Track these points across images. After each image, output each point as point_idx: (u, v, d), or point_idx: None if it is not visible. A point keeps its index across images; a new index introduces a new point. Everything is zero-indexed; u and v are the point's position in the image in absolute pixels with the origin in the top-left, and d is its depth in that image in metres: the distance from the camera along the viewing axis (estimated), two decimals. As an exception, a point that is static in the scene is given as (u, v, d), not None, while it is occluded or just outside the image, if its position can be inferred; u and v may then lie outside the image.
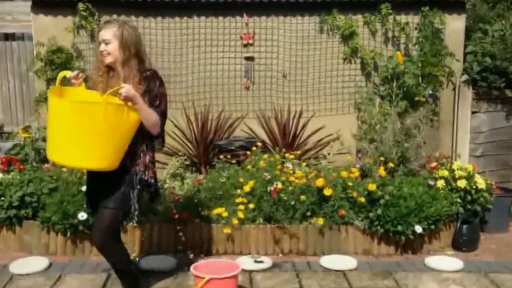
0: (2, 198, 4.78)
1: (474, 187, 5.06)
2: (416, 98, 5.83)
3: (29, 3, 5.87)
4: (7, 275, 4.32)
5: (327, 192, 4.75)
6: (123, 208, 3.41)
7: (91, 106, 3.11)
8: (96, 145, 3.11)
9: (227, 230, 4.67)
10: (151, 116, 3.32)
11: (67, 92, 3.36)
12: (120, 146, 3.23)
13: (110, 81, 3.40)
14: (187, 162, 5.80)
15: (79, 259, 4.65)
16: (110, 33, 3.33)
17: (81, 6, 5.69)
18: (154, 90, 3.37)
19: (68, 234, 4.70)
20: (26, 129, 5.60)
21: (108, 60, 3.36)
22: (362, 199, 4.74)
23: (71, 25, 5.76)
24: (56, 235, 4.75)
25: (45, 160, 5.54)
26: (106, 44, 3.33)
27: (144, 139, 3.43)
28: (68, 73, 3.34)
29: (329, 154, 5.94)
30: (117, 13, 5.89)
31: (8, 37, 7.00)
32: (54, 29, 5.79)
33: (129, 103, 3.18)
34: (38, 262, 4.51)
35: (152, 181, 3.53)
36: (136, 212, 3.46)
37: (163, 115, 3.43)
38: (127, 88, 3.16)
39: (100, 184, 3.43)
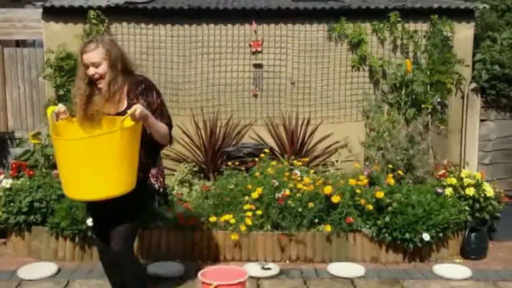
0: (12, 204, 4.82)
1: (482, 195, 5.05)
2: (424, 106, 5.83)
3: (40, 11, 5.93)
4: (16, 280, 4.35)
5: (335, 199, 4.76)
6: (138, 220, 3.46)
7: (107, 137, 3.06)
8: (120, 171, 3.07)
9: (235, 237, 4.68)
10: (161, 129, 3.30)
11: (64, 128, 3.28)
12: (136, 163, 3.20)
13: (96, 101, 3.30)
14: (196, 169, 5.82)
15: (88, 264, 4.67)
16: (98, 54, 3.20)
17: (91, 13, 5.73)
18: (154, 103, 3.31)
19: (77, 239, 4.74)
20: (36, 135, 5.63)
21: (102, 83, 3.25)
22: (370, 207, 4.74)
23: (81, 32, 5.80)
24: (64, 241, 4.78)
25: (54, 166, 5.57)
26: (96, 67, 3.22)
27: (154, 151, 3.44)
28: (56, 108, 3.26)
29: (337, 161, 5.94)
30: (126, 21, 5.94)
31: (19, 43, 7.06)
32: (64, 36, 5.83)
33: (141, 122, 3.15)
34: (47, 268, 4.54)
35: (161, 190, 3.54)
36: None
37: (169, 125, 3.41)
38: (141, 109, 3.10)
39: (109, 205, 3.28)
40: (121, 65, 3.27)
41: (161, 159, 3.62)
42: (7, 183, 4.93)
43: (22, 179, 5.08)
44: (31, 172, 5.15)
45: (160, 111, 3.35)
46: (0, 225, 4.93)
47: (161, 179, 3.54)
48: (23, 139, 6.15)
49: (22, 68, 6.45)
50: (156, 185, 3.50)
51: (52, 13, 5.90)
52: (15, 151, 6.16)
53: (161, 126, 3.31)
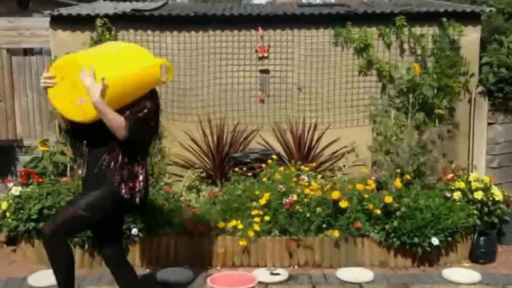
0: (21, 211, 4.85)
1: (491, 198, 5.04)
2: (437, 112, 5.78)
3: (48, 19, 5.97)
4: (26, 287, 4.36)
5: (343, 204, 4.76)
6: (88, 212, 3.26)
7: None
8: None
9: (243, 243, 4.69)
10: (110, 116, 3.14)
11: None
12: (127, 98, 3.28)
13: None
14: (203, 175, 5.84)
15: (97, 271, 4.68)
16: None
17: (99, 21, 5.77)
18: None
19: (86, 246, 4.75)
20: (44, 142, 5.67)
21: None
22: (378, 211, 4.74)
23: (89, 40, 5.84)
24: (74, 248, 4.78)
25: (62, 173, 5.61)
26: None
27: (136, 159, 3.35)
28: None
29: (344, 166, 5.94)
30: (133, 28, 5.97)
31: (27, 52, 7.11)
32: (72, 44, 5.86)
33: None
34: (56, 275, 4.54)
35: (127, 196, 3.31)
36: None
37: (137, 124, 3.21)
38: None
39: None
40: None
41: (146, 171, 3.45)
42: (16, 190, 4.96)
43: (31, 186, 5.11)
44: (40, 180, 5.19)
45: (140, 108, 3.25)
46: (10, 233, 4.96)
47: (142, 192, 3.38)
48: (31, 146, 6.19)
49: (30, 76, 6.50)
50: (135, 199, 3.34)
51: (59, 22, 5.95)
52: (24, 158, 6.20)
53: (112, 113, 3.14)
